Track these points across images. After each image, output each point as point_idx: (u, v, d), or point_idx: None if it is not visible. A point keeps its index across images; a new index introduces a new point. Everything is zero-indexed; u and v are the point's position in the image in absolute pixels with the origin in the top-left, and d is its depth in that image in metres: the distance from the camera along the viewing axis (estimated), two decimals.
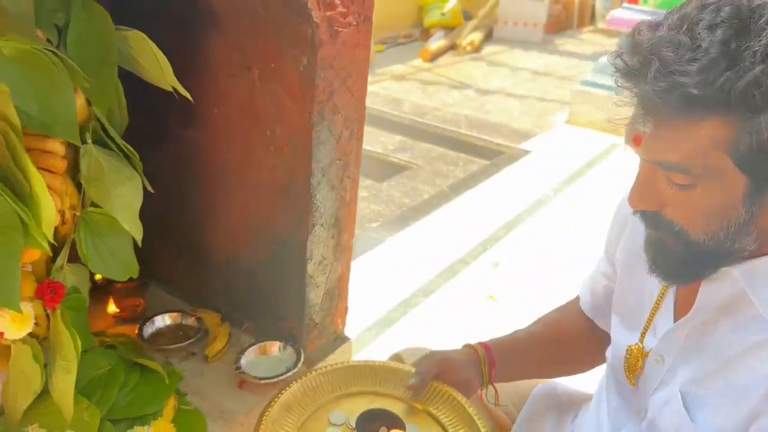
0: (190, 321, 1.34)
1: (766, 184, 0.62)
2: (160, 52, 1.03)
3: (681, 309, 0.79)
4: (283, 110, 1.14)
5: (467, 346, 1.04)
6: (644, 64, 0.61)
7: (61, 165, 0.97)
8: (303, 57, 1.07)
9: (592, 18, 7.67)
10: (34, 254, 0.95)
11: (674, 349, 0.78)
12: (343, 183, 1.24)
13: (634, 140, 0.67)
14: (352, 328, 1.46)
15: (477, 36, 6.04)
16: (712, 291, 0.73)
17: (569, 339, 1.07)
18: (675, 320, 0.80)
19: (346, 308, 1.41)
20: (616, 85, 0.66)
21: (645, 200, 0.69)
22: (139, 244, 1.05)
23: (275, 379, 1.22)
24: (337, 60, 1.09)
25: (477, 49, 5.95)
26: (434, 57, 5.56)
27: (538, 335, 1.08)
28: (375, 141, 3.73)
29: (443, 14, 5.96)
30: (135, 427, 1.07)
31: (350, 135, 1.20)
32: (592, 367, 1.09)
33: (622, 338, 0.89)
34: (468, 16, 6.25)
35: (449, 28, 6.10)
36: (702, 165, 0.62)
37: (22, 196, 0.87)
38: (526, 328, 1.10)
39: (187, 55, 1.18)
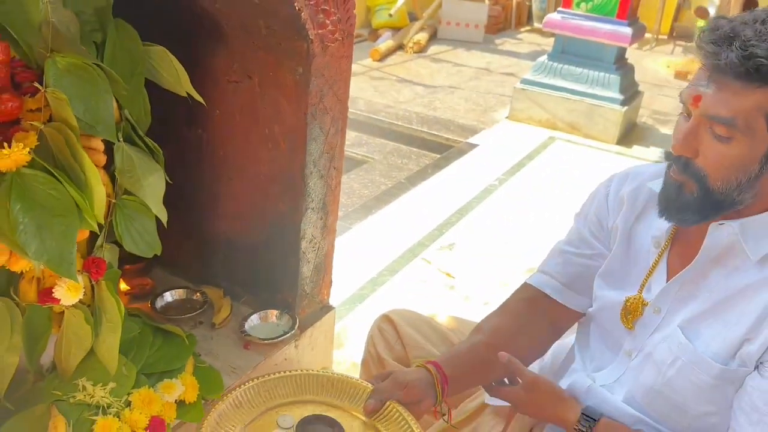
0: (196, 296, 1.53)
1: None
2: (180, 64, 1.24)
3: (672, 270, 1.01)
4: (280, 112, 1.35)
5: (420, 366, 1.12)
6: (727, 39, 0.83)
7: (102, 159, 1.16)
8: (299, 67, 1.28)
9: (529, 18, 8.06)
10: (83, 234, 1.14)
11: (669, 300, 0.99)
12: (330, 172, 1.46)
13: (694, 98, 0.88)
14: (331, 301, 1.68)
15: (423, 36, 6.31)
16: (714, 242, 0.93)
17: (513, 338, 1.16)
18: (667, 280, 1.00)
19: (331, 281, 1.63)
20: (699, 53, 0.87)
21: (687, 147, 0.90)
22: (165, 225, 1.25)
23: (276, 340, 1.44)
24: (326, 69, 1.31)
25: (423, 48, 6.22)
26: (383, 57, 5.79)
27: (482, 345, 1.16)
28: None
29: (390, 15, 6.19)
30: (164, 380, 1.26)
31: (336, 131, 1.43)
32: (546, 349, 1.22)
33: (610, 295, 1.08)
34: (413, 17, 6.51)
35: (396, 29, 6.34)
36: (744, 122, 0.84)
37: (79, 185, 1.06)
38: (468, 340, 1.20)
39: (194, 65, 1.37)
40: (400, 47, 6.13)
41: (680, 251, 1.01)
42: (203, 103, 1.25)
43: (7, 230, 0.98)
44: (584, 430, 0.98)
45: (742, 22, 0.85)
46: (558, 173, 3.64)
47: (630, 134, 4.29)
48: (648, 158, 3.83)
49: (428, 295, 2.29)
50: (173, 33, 1.29)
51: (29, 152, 1.00)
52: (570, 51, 4.19)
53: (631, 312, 1.03)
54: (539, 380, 1.06)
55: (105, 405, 1.15)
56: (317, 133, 1.37)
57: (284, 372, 1.12)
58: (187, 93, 1.27)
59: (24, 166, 1.00)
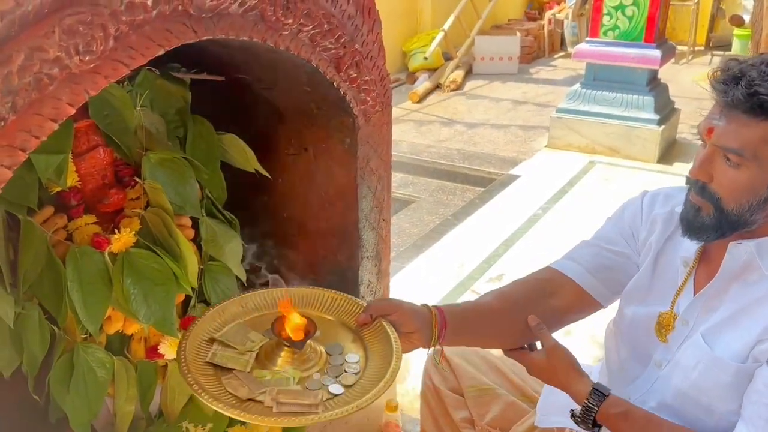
0: None
1: None
2: (247, 146, 1.46)
3: (698, 286, 1.12)
4: (334, 176, 1.55)
5: (424, 306, 1.15)
6: (735, 79, 0.96)
7: (191, 233, 1.38)
8: (347, 138, 1.49)
9: (562, 44, 8.19)
10: (180, 297, 1.35)
11: (696, 313, 1.10)
12: (380, 224, 1.65)
13: (708, 131, 1.00)
14: None
15: (458, 74, 6.52)
16: (733, 260, 1.05)
17: (518, 307, 1.19)
18: (694, 295, 1.11)
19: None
20: (713, 90, 0.97)
21: (702, 172, 1.01)
22: (245, 283, 1.46)
23: None
24: (370, 137, 1.51)
25: (459, 86, 6.42)
26: (422, 98, 6.01)
27: (487, 306, 1.22)
28: None
29: (426, 58, 6.43)
30: None
31: (382, 188, 1.62)
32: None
33: (640, 311, 1.18)
34: (448, 57, 6.73)
35: (432, 70, 6.58)
36: (752, 152, 0.96)
37: (175, 257, 1.27)
38: (477, 299, 1.26)
39: (259, 142, 1.59)
40: (438, 87, 6.35)
41: (706, 269, 1.13)
42: (269, 176, 1.47)
43: (122, 300, 1.20)
44: (593, 403, 1.06)
45: (750, 64, 0.98)
46: (601, 196, 3.73)
47: (670, 151, 4.35)
48: None
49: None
50: (241, 119, 1.51)
51: (134, 234, 1.23)
52: (602, 77, 4.31)
53: (665, 326, 1.14)
54: (560, 348, 1.12)
55: None
56: (366, 191, 1.56)
57: (284, 288, 1.22)
58: (255, 169, 1.49)
59: (131, 247, 1.22)
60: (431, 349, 1.14)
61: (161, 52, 0.96)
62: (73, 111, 0.84)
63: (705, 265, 1.13)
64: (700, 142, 1.06)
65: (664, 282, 1.17)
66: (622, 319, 1.23)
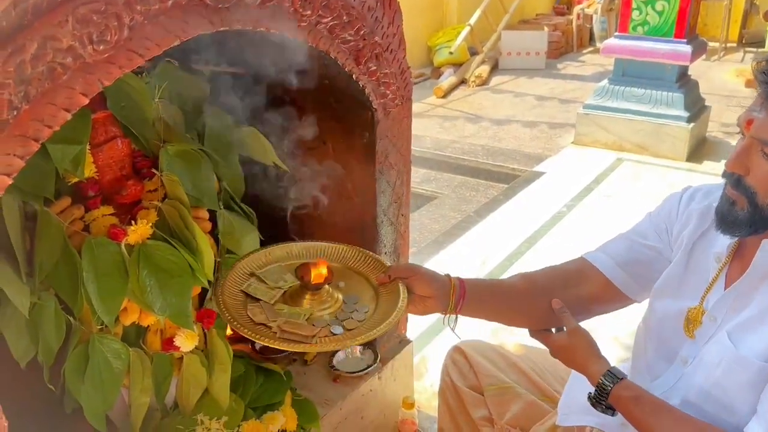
0: None
1: None
2: (266, 140, 1.45)
3: (730, 283, 1.09)
4: (352, 171, 1.54)
5: (446, 275, 1.21)
6: None
7: (208, 226, 1.37)
8: (366, 132, 1.47)
9: (591, 39, 8.06)
10: (196, 290, 1.35)
11: (724, 309, 1.08)
12: (398, 219, 1.63)
13: (747, 122, 0.98)
14: (409, 334, 1.83)
15: (484, 69, 6.45)
16: (764, 258, 1.02)
17: (543, 292, 1.22)
18: (725, 290, 1.09)
19: (407, 317, 1.79)
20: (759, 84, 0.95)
21: (738, 165, 0.99)
22: None
23: (361, 373, 1.60)
24: (389, 131, 1.49)
25: (485, 81, 6.35)
26: (447, 93, 5.97)
27: (512, 286, 1.26)
28: None
29: (451, 53, 6.38)
30: (268, 412, 1.44)
31: (401, 183, 1.60)
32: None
33: (669, 305, 1.15)
34: (474, 52, 6.67)
35: (458, 65, 6.52)
36: None
37: (191, 250, 1.27)
38: (508, 278, 1.30)
39: (278, 137, 1.58)
40: (463, 82, 6.29)
41: (739, 265, 1.09)
42: (287, 170, 1.46)
43: (138, 292, 1.20)
44: (607, 383, 1.07)
45: None
46: (628, 194, 3.66)
47: (700, 150, 4.25)
48: (719, 172, 3.79)
49: (503, 327, 2.39)
50: (259, 111, 1.50)
51: (151, 226, 1.22)
52: (630, 73, 4.22)
53: (692, 321, 1.12)
54: (581, 330, 1.15)
55: None
56: (385, 186, 1.54)
57: (320, 242, 1.34)
58: (273, 162, 1.48)
59: (148, 238, 1.22)
60: (447, 316, 1.21)
61: (177, 42, 0.95)
62: (86, 101, 0.84)
63: (738, 262, 1.09)
64: (730, 140, 1.03)
65: (696, 277, 1.14)
66: (651, 315, 1.20)
